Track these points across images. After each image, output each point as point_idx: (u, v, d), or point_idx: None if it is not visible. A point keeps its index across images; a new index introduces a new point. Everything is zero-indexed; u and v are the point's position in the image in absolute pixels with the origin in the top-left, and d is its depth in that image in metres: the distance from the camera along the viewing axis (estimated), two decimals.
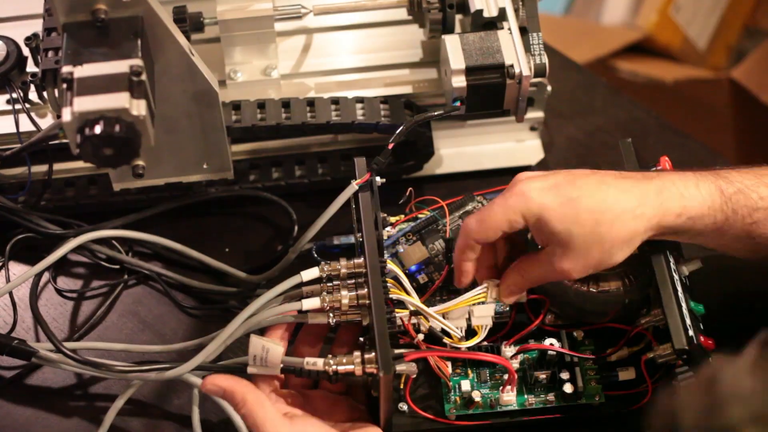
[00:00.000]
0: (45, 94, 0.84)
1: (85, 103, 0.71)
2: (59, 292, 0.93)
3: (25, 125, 0.91)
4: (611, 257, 0.76)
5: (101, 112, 0.71)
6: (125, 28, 0.75)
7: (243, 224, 0.98)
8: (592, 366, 0.82)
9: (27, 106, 0.91)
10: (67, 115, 0.71)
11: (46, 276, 0.94)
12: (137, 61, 0.73)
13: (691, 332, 0.76)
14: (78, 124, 0.71)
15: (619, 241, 0.75)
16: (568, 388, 0.81)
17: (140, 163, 0.75)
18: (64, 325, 0.91)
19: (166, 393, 0.86)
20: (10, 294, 0.91)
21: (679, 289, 0.78)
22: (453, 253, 0.81)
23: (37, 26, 0.96)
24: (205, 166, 0.92)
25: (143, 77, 0.73)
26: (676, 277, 0.79)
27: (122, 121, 0.71)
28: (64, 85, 0.73)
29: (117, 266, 0.94)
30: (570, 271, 0.76)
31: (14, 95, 0.91)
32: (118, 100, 0.71)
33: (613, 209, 0.74)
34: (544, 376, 0.81)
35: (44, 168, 0.93)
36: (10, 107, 0.91)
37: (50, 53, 0.83)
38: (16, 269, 0.95)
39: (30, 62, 0.94)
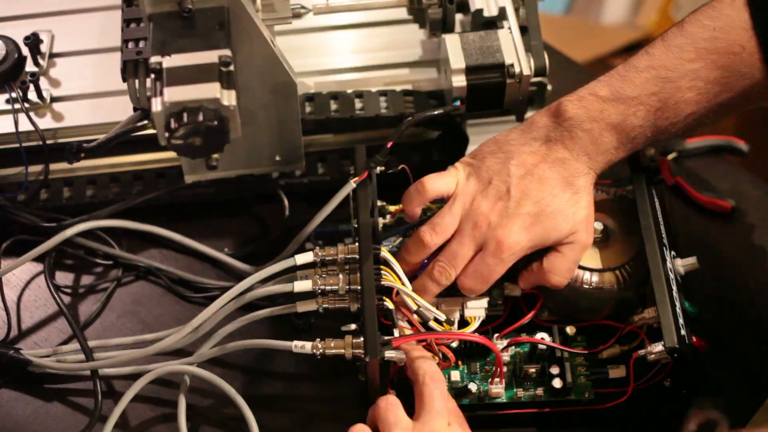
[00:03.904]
0: (127, 84, 0.81)
1: (176, 93, 0.71)
2: (57, 288, 0.92)
3: (25, 125, 0.90)
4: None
5: (193, 102, 0.71)
6: (211, 19, 0.75)
7: (243, 224, 0.98)
8: (583, 362, 0.82)
9: (26, 105, 0.91)
10: (157, 105, 0.71)
11: (42, 277, 0.93)
12: (226, 52, 0.73)
13: (683, 331, 0.76)
14: (168, 114, 0.71)
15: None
16: (557, 383, 0.80)
17: (215, 155, 0.75)
18: (62, 327, 0.91)
19: (156, 382, 0.85)
20: (3, 299, 0.90)
21: (674, 287, 0.78)
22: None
23: (36, 26, 0.96)
24: (277, 158, 0.92)
25: (232, 68, 0.73)
26: (671, 275, 0.79)
27: (214, 112, 0.71)
28: (153, 75, 0.73)
29: (111, 262, 0.94)
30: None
31: (13, 95, 0.91)
32: (210, 90, 0.71)
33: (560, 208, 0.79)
34: (533, 370, 0.81)
35: (41, 167, 0.92)
36: (9, 107, 0.91)
37: (130, 44, 0.81)
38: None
39: (29, 62, 0.94)
